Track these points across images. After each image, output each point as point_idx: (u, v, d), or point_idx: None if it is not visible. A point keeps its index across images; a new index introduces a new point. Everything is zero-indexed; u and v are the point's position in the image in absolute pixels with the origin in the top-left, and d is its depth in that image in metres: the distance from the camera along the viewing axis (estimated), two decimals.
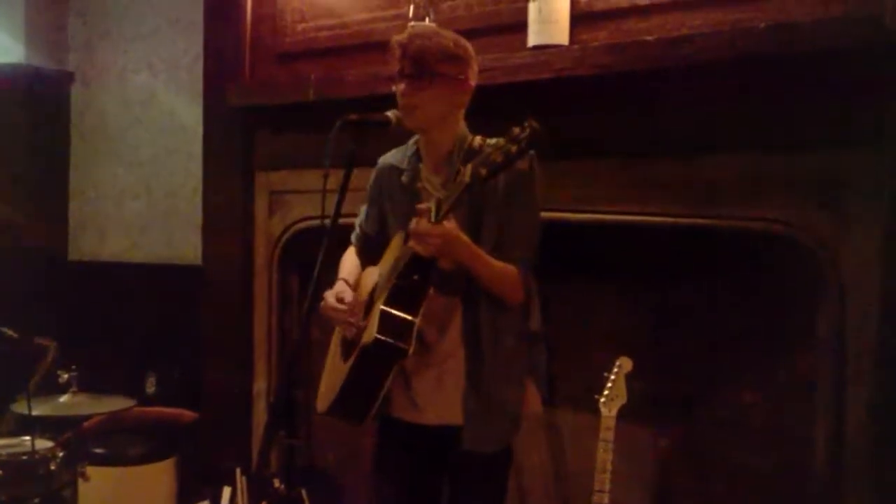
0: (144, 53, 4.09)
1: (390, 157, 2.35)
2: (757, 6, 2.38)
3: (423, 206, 2.02)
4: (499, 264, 2.11)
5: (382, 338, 2.05)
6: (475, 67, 2.19)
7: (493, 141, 2.00)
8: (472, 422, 2.15)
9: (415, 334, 2.06)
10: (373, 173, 2.39)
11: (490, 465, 2.23)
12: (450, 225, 1.99)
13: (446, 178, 2.12)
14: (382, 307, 2.07)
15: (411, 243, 2.03)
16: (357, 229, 2.47)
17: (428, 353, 2.18)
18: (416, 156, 2.26)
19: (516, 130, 1.87)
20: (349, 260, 2.43)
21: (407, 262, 2.07)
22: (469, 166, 1.91)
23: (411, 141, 2.30)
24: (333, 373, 2.31)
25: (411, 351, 2.06)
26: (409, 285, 2.07)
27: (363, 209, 2.45)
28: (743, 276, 2.55)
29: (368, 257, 2.40)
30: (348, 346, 2.25)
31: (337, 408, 2.20)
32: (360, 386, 2.15)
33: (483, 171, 1.88)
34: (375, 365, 2.11)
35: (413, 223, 2.00)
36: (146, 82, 4.09)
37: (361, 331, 2.18)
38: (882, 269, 2.21)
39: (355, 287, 2.33)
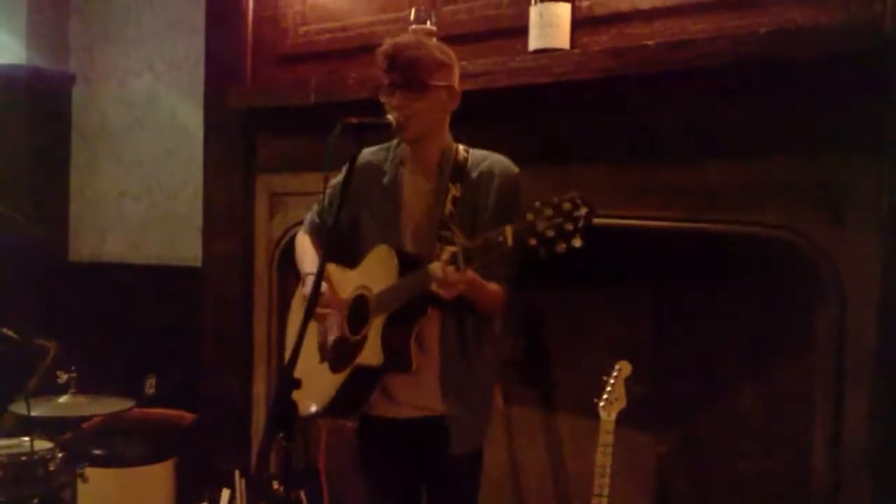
0: (146, 55, 4.10)
1: (369, 154, 2.31)
2: (758, 11, 2.39)
3: (446, 255, 1.98)
4: (492, 288, 2.15)
5: (390, 362, 2.11)
6: (458, 71, 2.21)
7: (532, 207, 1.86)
8: (456, 425, 2.20)
9: (412, 349, 2.12)
10: (347, 164, 2.17)
11: (468, 462, 2.28)
12: (472, 272, 2.01)
13: (436, 186, 2.18)
14: (385, 330, 2.11)
15: (435, 287, 2.00)
16: (314, 217, 2.45)
17: None
18: (400, 158, 2.27)
19: (567, 206, 1.80)
20: (309, 253, 2.43)
21: (418, 295, 2.08)
22: (510, 229, 1.86)
23: (395, 142, 2.29)
24: (315, 378, 2.26)
25: (414, 367, 2.12)
26: (409, 308, 2.12)
27: (326, 196, 2.32)
28: (742, 280, 2.55)
29: (323, 246, 2.37)
30: (335, 352, 2.26)
31: (324, 413, 2.26)
32: (352, 396, 2.22)
33: (533, 242, 1.82)
34: (372, 379, 2.19)
35: (438, 270, 1.97)
36: (147, 84, 4.10)
37: (349, 343, 2.21)
38: (881, 273, 2.22)
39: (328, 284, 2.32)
